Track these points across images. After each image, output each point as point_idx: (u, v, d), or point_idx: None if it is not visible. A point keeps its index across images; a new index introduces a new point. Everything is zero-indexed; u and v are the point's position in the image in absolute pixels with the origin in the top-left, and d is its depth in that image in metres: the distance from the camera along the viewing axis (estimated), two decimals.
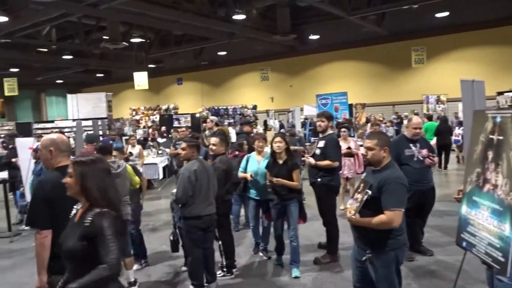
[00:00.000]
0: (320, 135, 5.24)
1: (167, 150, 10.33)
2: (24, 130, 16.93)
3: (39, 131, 17.69)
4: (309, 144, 11.59)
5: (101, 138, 10.73)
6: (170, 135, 13.54)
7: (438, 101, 17.65)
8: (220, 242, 4.86)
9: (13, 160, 7.93)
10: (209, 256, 4.43)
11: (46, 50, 20.69)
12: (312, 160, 5.04)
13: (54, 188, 2.68)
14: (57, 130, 16.89)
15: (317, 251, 5.44)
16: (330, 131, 5.17)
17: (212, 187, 4.34)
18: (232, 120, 21.44)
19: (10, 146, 8.86)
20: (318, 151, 5.04)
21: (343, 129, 7.52)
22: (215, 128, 8.80)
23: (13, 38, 15.87)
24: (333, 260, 5.07)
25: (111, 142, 6.88)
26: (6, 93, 19.93)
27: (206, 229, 4.29)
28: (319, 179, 4.99)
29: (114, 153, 4.85)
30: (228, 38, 18.26)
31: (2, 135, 20.66)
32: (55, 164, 2.89)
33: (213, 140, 4.98)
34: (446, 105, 17.49)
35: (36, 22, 14.23)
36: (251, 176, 5.05)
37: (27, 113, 30.22)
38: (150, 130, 18.41)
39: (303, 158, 5.41)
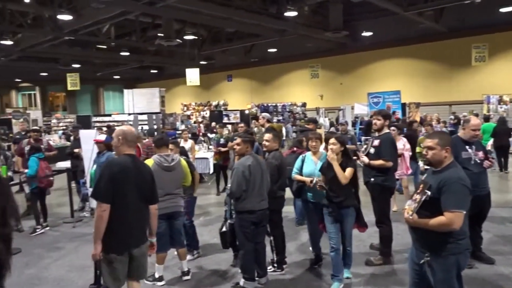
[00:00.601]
0: (376, 134, 5.13)
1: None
2: (84, 123, 17.91)
3: (97, 124, 18.65)
4: (360, 143, 11.39)
5: (156, 133, 11.14)
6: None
7: (500, 101, 16.65)
8: (271, 238, 4.90)
9: (76, 150, 8.44)
10: (260, 250, 4.48)
11: (105, 47, 21.74)
12: (365, 159, 4.95)
13: (120, 169, 3.19)
14: (113, 123, 17.73)
15: (369, 252, 5.34)
16: (386, 130, 5.04)
17: (265, 182, 4.39)
18: (281, 117, 21.45)
19: (74, 137, 9.40)
20: (372, 150, 4.94)
21: (392, 128, 7.31)
22: (267, 125, 8.85)
23: (76, 35, 16.80)
24: (386, 262, 4.96)
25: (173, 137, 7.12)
26: (69, 88, 21.18)
27: (258, 224, 4.35)
28: (372, 179, 4.90)
29: (171, 146, 5.02)
30: (279, 35, 18.25)
31: (64, 127, 21.99)
32: (122, 151, 3.34)
33: (267, 136, 5.02)
34: (509, 105, 16.47)
35: (97, 20, 14.97)
36: (310, 182, 4.62)
37: (87, 106, 31.91)
38: (200, 125, 18.86)
39: (355, 157, 5.26)
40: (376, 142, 4.94)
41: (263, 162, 4.55)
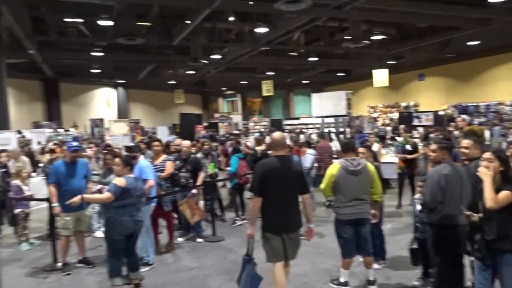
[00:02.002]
0: None
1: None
2: (277, 125, 19.36)
3: (288, 127, 19.92)
4: None
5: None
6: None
7: None
8: (471, 258, 4.31)
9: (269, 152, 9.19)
10: (460, 275, 3.98)
11: (296, 54, 23.06)
12: None
13: (267, 168, 3.91)
14: (302, 126, 18.61)
15: None
16: None
17: (465, 195, 3.88)
18: (484, 119, 18.78)
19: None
20: None
21: None
22: (466, 128, 7.87)
23: (271, 45, 18.32)
24: None
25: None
26: (264, 94, 23.28)
27: (456, 241, 3.88)
28: None
29: (362, 150, 4.96)
30: (481, 26, 15.98)
31: (260, 129, 24.15)
32: (274, 153, 4.06)
33: (465, 142, 4.44)
34: None
35: (289, 29, 15.99)
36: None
37: (279, 110, 34.42)
38: (387, 128, 18.07)
39: None
40: None
41: (462, 171, 4.05)
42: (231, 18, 15.58)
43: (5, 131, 10.69)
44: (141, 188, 4.78)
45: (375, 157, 5.58)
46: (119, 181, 4.47)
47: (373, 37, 17.53)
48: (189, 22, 14.67)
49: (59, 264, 5.69)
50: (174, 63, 22.56)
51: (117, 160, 4.67)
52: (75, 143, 6.04)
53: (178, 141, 8.11)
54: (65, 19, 15.51)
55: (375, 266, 5.00)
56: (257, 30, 15.48)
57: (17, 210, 6.76)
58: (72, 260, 5.86)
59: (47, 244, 6.41)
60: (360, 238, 4.54)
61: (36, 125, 19.14)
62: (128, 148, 5.95)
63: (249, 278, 3.98)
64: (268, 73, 25.39)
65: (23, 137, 13.47)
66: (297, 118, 22.76)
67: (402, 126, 16.37)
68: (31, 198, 6.79)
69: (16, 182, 6.78)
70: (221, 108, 35.25)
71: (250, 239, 4.04)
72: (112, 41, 16.35)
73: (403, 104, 24.59)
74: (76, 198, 4.51)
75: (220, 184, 9.82)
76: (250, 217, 4.16)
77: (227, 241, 6.79)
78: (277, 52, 21.88)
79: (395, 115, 22.28)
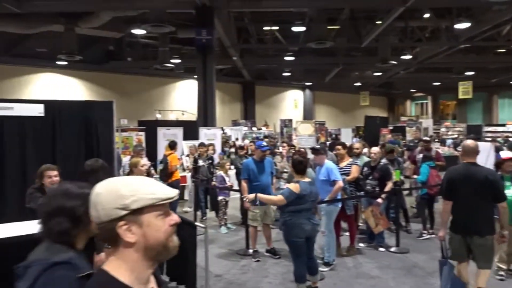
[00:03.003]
0: None
1: None
2: (475, 132, 17.14)
3: (489, 134, 17.39)
4: None
5: None
6: None
7: None
8: None
9: None
10: None
11: (503, 50, 19.92)
12: None
13: (454, 174, 4.18)
14: (508, 134, 15.97)
15: None
16: None
17: None
18: None
19: None
20: None
21: None
22: None
23: (472, 42, 16.30)
24: None
25: None
26: (460, 96, 20.88)
27: None
28: None
29: None
30: None
31: (454, 136, 21.85)
32: (462, 160, 4.34)
33: None
34: None
35: (496, 23, 13.92)
36: None
37: (478, 115, 30.41)
38: None
39: None
40: None
41: None
42: (426, 15, 14.47)
43: (213, 128, 12.43)
44: (316, 193, 4.76)
45: None
46: (294, 187, 4.49)
47: None
48: (380, 22, 14.28)
49: (250, 251, 6.32)
50: (361, 64, 22.35)
51: (291, 166, 4.85)
52: (264, 143, 6.60)
53: (357, 144, 7.99)
54: (264, 28, 17.07)
55: None
56: (456, 26, 13.97)
57: (219, 198, 7.80)
58: (261, 249, 6.43)
59: (241, 230, 7.20)
60: None
61: (235, 123, 21.66)
62: (314, 150, 6.15)
63: (449, 281, 3.91)
64: (466, 73, 22.70)
65: (224, 133, 15.44)
66: (502, 125, 19.60)
67: None
68: (231, 188, 7.73)
69: (220, 173, 7.82)
70: (408, 111, 33.23)
71: (442, 241, 4.25)
72: (303, 45, 17.21)
73: None
74: (251, 196, 4.89)
75: (405, 192, 9.28)
76: (441, 220, 4.44)
77: (412, 254, 6.36)
78: (480, 50, 19.33)
79: None
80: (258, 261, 6.07)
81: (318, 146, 6.68)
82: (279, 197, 4.61)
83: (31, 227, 3.50)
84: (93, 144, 5.74)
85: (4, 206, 5.08)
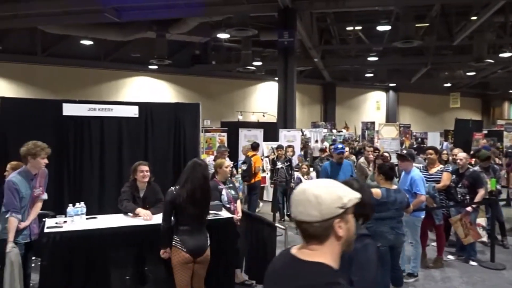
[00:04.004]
0: None
1: None
2: None
3: None
4: None
5: None
6: None
7: None
8: None
9: None
10: None
11: None
12: None
13: None
14: None
15: None
16: None
17: None
18: None
19: None
20: None
21: None
22: None
23: None
24: None
25: None
26: None
27: None
28: None
29: None
30: None
31: None
32: None
33: None
34: None
35: None
36: None
37: None
38: None
39: None
40: None
41: None
42: None
43: (292, 130, 12.46)
44: (401, 202, 4.44)
45: None
46: (375, 192, 4.20)
47: None
48: (475, 17, 13.23)
49: None
50: (452, 64, 20.87)
51: (377, 172, 4.59)
52: (340, 146, 6.42)
53: (456, 150, 7.46)
54: (347, 28, 16.72)
55: None
56: None
57: None
58: None
59: None
60: None
61: (314, 125, 21.48)
62: (400, 156, 5.85)
63: None
64: None
65: (304, 135, 15.39)
66: None
67: None
68: None
69: (298, 174, 7.83)
70: (506, 114, 30.31)
71: None
72: (387, 45, 16.55)
73: None
74: None
75: (501, 203, 8.49)
76: None
77: (508, 271, 5.80)
78: None
79: None
80: None
81: (405, 152, 6.34)
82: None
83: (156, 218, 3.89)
84: (181, 143, 6.07)
85: (103, 200, 5.57)
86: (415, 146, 14.59)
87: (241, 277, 5.02)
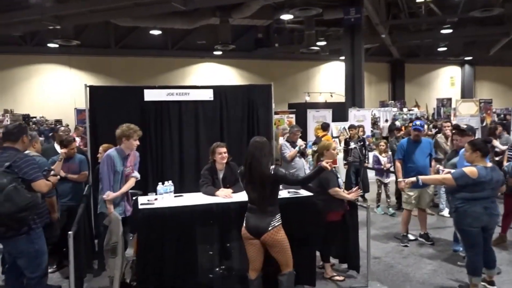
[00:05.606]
0: None
1: None
2: None
3: None
4: None
5: None
6: None
7: None
8: None
9: None
10: None
11: None
12: None
13: None
14: None
15: None
16: None
17: None
18: None
19: None
20: None
21: None
22: None
23: None
24: None
25: None
26: None
27: None
28: None
29: None
30: None
31: None
32: None
33: None
34: None
35: None
36: None
37: None
38: None
39: None
40: None
41: None
42: None
43: (362, 109, 12.10)
44: (497, 181, 4.09)
45: None
46: (470, 171, 3.95)
47: None
48: None
49: (410, 236, 5.99)
50: None
51: (467, 145, 4.23)
52: (418, 122, 6.05)
53: None
54: (417, 0, 15.76)
55: None
56: None
57: (376, 178, 7.59)
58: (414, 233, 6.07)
59: (400, 215, 6.84)
60: None
61: (382, 104, 20.67)
62: (459, 131, 5.32)
63: None
64: None
65: (373, 114, 14.87)
66: None
67: None
68: (387, 170, 7.41)
69: (376, 153, 7.58)
70: None
71: None
72: (464, 15, 15.39)
73: None
74: (410, 180, 4.34)
75: None
76: None
77: None
78: None
79: None
80: (406, 246, 5.75)
81: (465, 126, 5.78)
82: (448, 176, 4.16)
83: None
84: (254, 125, 6.14)
85: (183, 178, 5.82)
86: (497, 122, 13.47)
87: (330, 272, 4.67)
